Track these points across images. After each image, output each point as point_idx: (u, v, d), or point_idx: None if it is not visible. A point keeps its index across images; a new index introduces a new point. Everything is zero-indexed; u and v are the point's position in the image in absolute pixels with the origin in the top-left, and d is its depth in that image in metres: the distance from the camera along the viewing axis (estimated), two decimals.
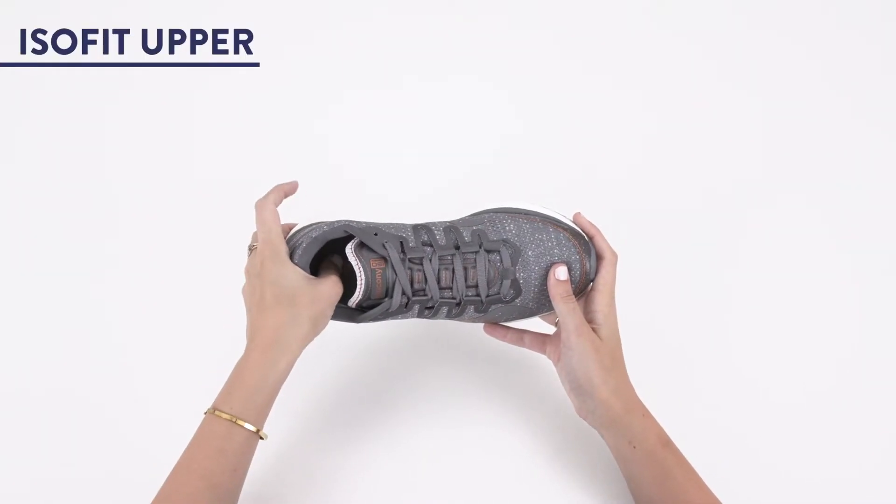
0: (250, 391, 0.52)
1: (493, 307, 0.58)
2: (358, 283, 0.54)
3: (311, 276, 0.55)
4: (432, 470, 0.63)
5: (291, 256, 0.55)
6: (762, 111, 0.90)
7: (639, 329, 0.69)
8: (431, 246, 0.56)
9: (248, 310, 0.56)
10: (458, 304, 0.56)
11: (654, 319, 0.72)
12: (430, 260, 0.55)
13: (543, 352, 0.62)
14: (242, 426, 0.51)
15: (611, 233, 0.70)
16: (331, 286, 0.55)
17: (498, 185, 0.83)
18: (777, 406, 0.68)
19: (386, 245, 0.54)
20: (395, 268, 0.54)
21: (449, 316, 0.58)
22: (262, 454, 0.61)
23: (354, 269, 0.54)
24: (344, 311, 0.57)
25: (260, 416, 0.53)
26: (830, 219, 0.81)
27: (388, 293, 0.55)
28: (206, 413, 0.52)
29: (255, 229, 0.57)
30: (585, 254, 0.59)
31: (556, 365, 0.60)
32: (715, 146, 0.88)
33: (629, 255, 0.73)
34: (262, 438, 0.53)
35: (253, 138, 0.88)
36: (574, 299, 0.58)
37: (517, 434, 0.65)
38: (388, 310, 0.55)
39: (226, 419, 0.51)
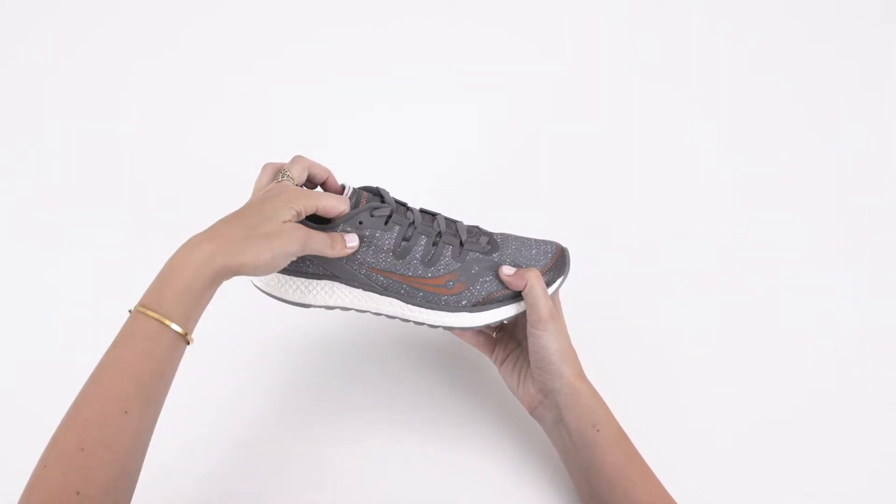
0: (180, 291, 0.48)
1: (470, 255, 0.59)
2: (346, 188, 0.57)
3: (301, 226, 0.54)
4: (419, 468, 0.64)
5: None
6: (758, 113, 0.91)
7: (629, 332, 0.71)
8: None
9: (233, 212, 0.53)
10: (438, 235, 0.58)
11: (645, 323, 0.72)
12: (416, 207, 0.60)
13: (489, 352, 0.64)
14: (170, 327, 0.47)
15: (605, 239, 0.76)
16: (303, 230, 0.53)
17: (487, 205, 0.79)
18: (770, 412, 0.67)
19: (381, 189, 0.58)
20: (385, 195, 0.58)
21: (424, 260, 0.58)
22: (256, 452, 0.62)
23: (345, 189, 0.57)
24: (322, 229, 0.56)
25: (189, 318, 0.49)
26: (825, 220, 0.81)
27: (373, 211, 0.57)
28: (131, 310, 0.48)
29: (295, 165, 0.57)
30: (555, 271, 0.60)
31: (500, 365, 0.63)
32: (711, 148, 0.88)
33: (627, 262, 0.76)
34: (188, 343, 0.49)
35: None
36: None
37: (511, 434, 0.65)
38: (370, 210, 0.56)
39: (154, 318, 0.47)
